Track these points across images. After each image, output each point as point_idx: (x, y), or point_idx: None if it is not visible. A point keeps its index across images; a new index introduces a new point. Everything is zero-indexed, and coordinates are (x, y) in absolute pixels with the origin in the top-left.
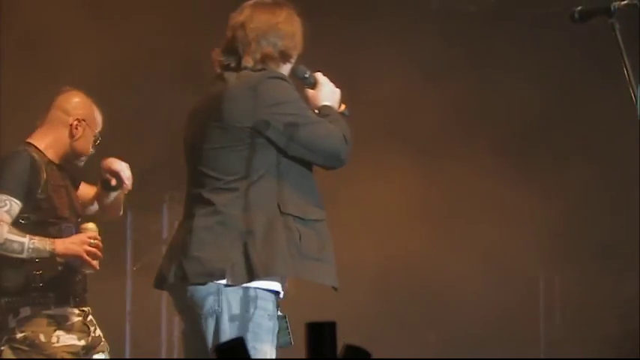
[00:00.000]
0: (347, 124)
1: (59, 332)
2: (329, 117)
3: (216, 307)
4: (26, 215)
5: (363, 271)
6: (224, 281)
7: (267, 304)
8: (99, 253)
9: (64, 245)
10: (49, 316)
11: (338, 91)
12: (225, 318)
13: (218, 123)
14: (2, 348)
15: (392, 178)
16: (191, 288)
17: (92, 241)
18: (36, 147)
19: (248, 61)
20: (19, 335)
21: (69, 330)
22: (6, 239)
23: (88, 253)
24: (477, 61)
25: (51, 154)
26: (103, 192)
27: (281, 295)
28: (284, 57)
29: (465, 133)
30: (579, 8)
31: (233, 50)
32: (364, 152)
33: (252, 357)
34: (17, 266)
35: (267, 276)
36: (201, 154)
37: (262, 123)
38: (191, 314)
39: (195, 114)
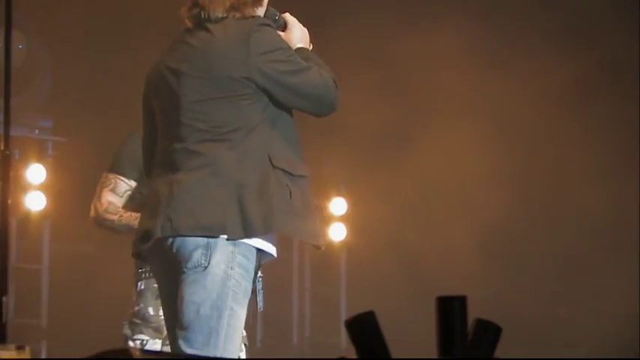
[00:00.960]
0: (325, 66)
1: None
2: (311, 60)
3: (203, 261)
4: (140, 190)
5: None
6: (217, 235)
7: (250, 265)
8: None
9: None
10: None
11: (306, 31)
12: (209, 273)
13: (206, 74)
14: (124, 322)
15: None
16: (178, 241)
17: None
18: None
19: (218, 10)
20: (135, 308)
21: None
22: (103, 218)
23: None
24: None
25: None
26: None
27: (274, 255)
28: (256, 1)
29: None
30: None
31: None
32: None
33: (228, 318)
34: None
35: (265, 233)
36: (187, 106)
37: (255, 72)
38: (172, 270)
39: (172, 67)
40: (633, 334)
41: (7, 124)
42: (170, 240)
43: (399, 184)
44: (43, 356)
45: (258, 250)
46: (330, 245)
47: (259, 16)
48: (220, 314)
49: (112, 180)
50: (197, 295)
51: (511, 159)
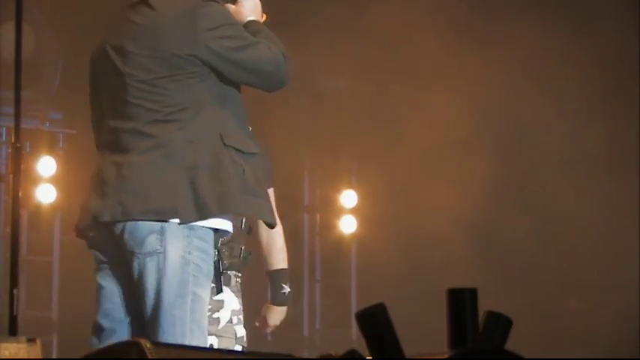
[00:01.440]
0: (276, 39)
1: None
2: (261, 34)
3: (158, 247)
4: None
5: None
6: (169, 219)
7: (208, 247)
8: None
9: None
10: None
11: (259, 2)
12: (167, 259)
13: (152, 52)
14: None
15: None
16: (129, 226)
17: None
18: None
19: None
20: None
21: None
22: None
23: None
24: None
25: None
26: None
27: (230, 231)
28: None
29: None
30: None
31: None
32: None
33: (192, 304)
34: None
35: (220, 214)
36: (134, 85)
37: (202, 49)
38: (123, 257)
39: (116, 46)
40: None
41: (17, 116)
42: (121, 225)
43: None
44: (54, 349)
45: (216, 231)
46: (340, 237)
47: None
48: (183, 301)
49: None
50: (156, 283)
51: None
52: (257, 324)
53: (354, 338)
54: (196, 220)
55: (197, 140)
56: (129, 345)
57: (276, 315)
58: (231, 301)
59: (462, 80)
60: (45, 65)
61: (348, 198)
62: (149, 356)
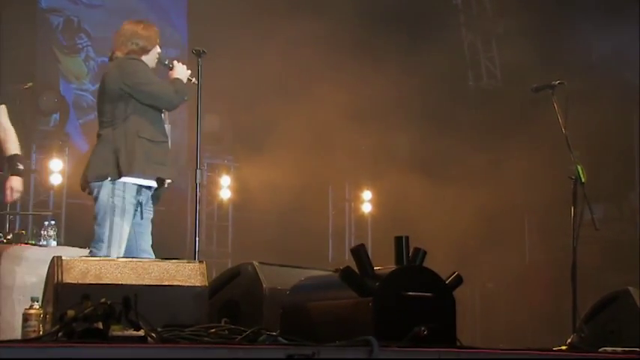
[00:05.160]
0: (184, 87)
1: None
2: (175, 82)
3: (96, 194)
4: None
5: None
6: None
7: (127, 194)
8: None
9: None
10: None
11: (186, 70)
12: (98, 201)
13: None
14: None
15: None
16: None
17: None
18: None
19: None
20: None
21: None
22: None
23: None
24: None
25: None
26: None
27: (153, 185)
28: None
29: None
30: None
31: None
32: None
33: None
34: None
35: (129, 175)
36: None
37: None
38: None
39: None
40: None
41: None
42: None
43: None
44: None
45: (138, 186)
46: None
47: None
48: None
49: None
50: (95, 213)
51: None
52: (7, 195)
53: None
54: (116, 179)
55: (122, 135)
56: (246, 264)
57: (17, 182)
58: None
59: None
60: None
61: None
62: (258, 271)
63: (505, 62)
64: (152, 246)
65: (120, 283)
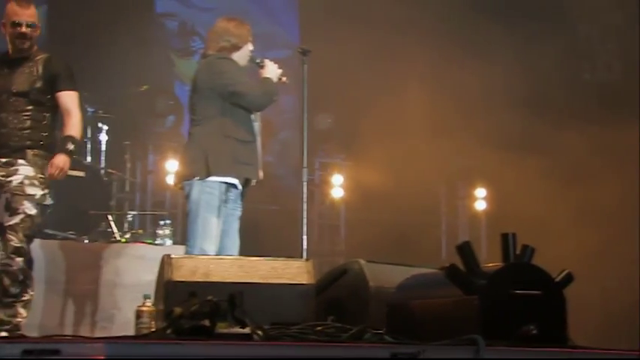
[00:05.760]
0: (273, 87)
1: None
2: (265, 82)
3: (187, 192)
4: None
5: None
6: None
7: (214, 191)
8: None
9: None
10: None
11: (277, 70)
12: (189, 198)
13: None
14: None
15: None
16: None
17: None
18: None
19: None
20: None
21: None
22: None
23: None
24: None
25: (8, 51)
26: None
27: (238, 186)
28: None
29: None
30: None
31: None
32: None
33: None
34: None
35: (215, 175)
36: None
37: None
38: None
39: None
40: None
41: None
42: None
43: None
44: None
45: (226, 184)
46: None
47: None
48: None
49: None
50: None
51: None
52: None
53: None
54: (204, 178)
55: (210, 134)
56: (352, 262)
57: (59, 159)
58: (25, 170)
59: None
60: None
61: None
62: (364, 270)
63: (623, 54)
64: (266, 244)
65: (227, 281)
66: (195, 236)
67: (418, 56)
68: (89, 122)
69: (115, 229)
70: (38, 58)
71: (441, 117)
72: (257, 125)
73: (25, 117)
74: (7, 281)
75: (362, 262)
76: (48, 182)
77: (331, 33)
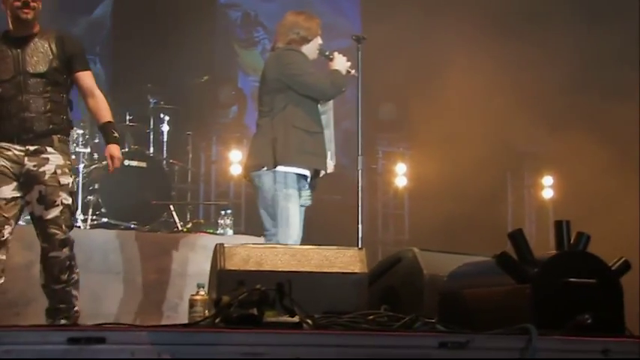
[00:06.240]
0: (342, 79)
1: None
2: (333, 73)
3: (257, 183)
4: None
5: None
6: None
7: (287, 180)
8: None
9: None
10: None
11: (346, 62)
12: (262, 189)
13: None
14: None
15: None
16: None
17: None
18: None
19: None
20: None
21: (3, 156)
22: None
23: None
24: None
25: (10, 30)
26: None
27: (308, 175)
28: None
29: None
30: None
31: None
32: None
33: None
34: None
35: (285, 165)
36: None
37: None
38: None
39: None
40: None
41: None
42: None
43: None
44: None
45: (296, 175)
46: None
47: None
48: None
49: None
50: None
51: None
52: (110, 165)
53: None
54: (272, 169)
55: (279, 125)
56: (406, 250)
57: (116, 149)
58: (55, 158)
59: None
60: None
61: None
62: (418, 258)
63: None
64: (328, 234)
65: (279, 269)
66: (272, 226)
67: (480, 42)
68: (151, 113)
69: (176, 219)
70: (48, 36)
71: (504, 103)
72: (326, 116)
73: (46, 99)
74: (56, 271)
75: (416, 250)
76: (73, 169)
77: (393, 21)
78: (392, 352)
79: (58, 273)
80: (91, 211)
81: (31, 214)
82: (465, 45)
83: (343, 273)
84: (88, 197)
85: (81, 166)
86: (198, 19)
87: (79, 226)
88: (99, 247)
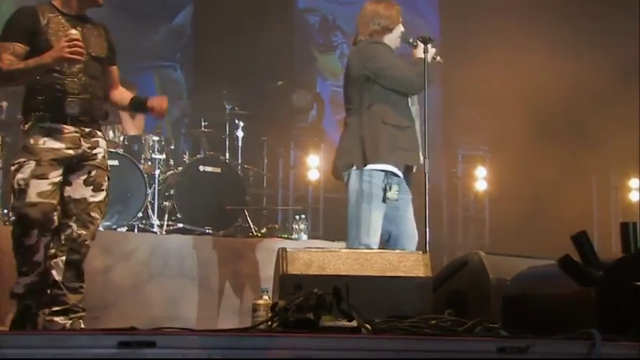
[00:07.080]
0: (422, 68)
1: (47, 139)
2: (418, 62)
3: (346, 181)
4: (33, 55)
5: None
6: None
7: (374, 180)
8: (79, 49)
9: (48, 54)
10: (42, 128)
11: (431, 49)
12: (349, 188)
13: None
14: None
15: None
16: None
17: (69, 43)
18: (51, 2)
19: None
20: (22, 145)
21: (58, 139)
22: (7, 70)
23: (69, 52)
24: None
25: (60, 5)
26: (129, 106)
27: (399, 174)
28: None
29: None
30: None
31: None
32: None
33: (362, 215)
34: (29, 95)
35: (375, 162)
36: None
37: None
38: None
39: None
40: None
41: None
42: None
43: None
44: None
45: (385, 172)
46: None
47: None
48: (354, 211)
49: (9, 46)
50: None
51: None
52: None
53: None
54: (362, 167)
55: (367, 122)
56: (472, 254)
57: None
58: (103, 143)
59: None
60: None
61: None
62: (484, 261)
63: None
64: None
65: (342, 273)
66: (356, 228)
67: (557, 45)
68: (227, 119)
69: (251, 224)
70: (98, 23)
71: (583, 105)
72: (415, 109)
73: (100, 84)
74: (83, 264)
75: (482, 253)
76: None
77: (471, 25)
78: (449, 357)
79: (82, 257)
80: (166, 216)
81: (67, 197)
82: (543, 49)
83: (407, 277)
84: (164, 203)
85: (157, 172)
86: (277, 25)
87: (155, 232)
88: (175, 252)
